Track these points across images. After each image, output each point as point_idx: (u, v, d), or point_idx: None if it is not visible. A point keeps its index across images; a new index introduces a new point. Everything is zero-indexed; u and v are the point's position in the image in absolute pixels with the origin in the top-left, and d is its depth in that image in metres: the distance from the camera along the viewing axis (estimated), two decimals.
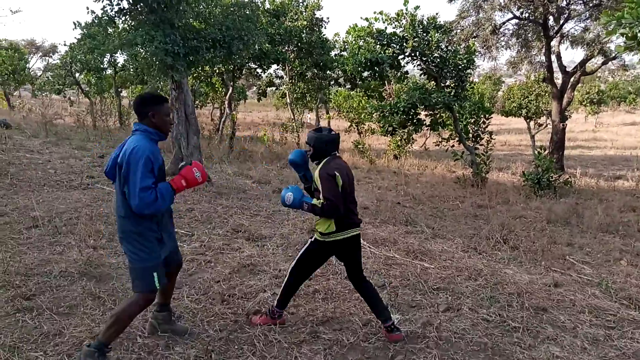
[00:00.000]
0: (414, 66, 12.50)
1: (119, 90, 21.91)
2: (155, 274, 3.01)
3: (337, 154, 3.60)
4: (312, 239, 3.63)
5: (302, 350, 3.38)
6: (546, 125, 22.29)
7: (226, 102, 15.80)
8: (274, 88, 21.29)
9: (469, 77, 12.51)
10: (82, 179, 8.56)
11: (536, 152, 12.43)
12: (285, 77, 18.84)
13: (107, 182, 8.56)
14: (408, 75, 14.73)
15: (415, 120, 12.50)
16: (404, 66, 13.18)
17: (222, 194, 8.40)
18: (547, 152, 14.58)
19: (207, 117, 26.63)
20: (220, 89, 18.11)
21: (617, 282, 5.26)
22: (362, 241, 6.04)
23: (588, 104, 33.70)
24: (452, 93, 12.05)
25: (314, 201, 3.44)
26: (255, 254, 5.44)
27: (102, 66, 18.26)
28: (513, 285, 4.75)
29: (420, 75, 12.70)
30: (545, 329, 3.86)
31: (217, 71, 15.32)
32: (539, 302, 4.35)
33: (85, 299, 3.96)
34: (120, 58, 19.45)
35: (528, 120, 24.24)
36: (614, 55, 15.68)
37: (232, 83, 15.69)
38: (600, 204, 10.53)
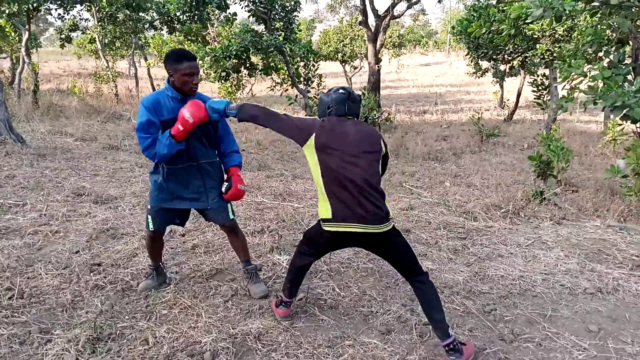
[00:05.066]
0: (242, 7, 12.11)
1: None
2: (149, 217, 3.22)
3: (349, 118, 2.71)
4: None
5: (202, 307, 3.21)
6: (361, 68, 23.99)
7: (22, 50, 13.30)
8: (79, 33, 18.56)
9: (297, 20, 12.63)
10: None
11: (361, 92, 13.33)
12: (92, 19, 16.58)
13: None
14: (236, 17, 14.24)
15: (248, 65, 12.27)
16: (229, 6, 12.70)
17: (45, 156, 7.25)
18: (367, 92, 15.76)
19: None
20: (11, 35, 15.12)
21: (451, 200, 6.08)
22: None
23: (391, 47, 36.94)
24: (282, 36, 12.07)
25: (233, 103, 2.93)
26: (111, 216, 4.90)
27: None
28: None
29: (248, 17, 12.39)
30: (415, 247, 4.30)
31: (8, 12, 12.70)
32: (403, 225, 4.81)
33: None
34: None
35: (344, 64, 25.71)
36: (415, 0, 17.33)
37: (27, 27, 13.24)
38: (418, 136, 11.94)
